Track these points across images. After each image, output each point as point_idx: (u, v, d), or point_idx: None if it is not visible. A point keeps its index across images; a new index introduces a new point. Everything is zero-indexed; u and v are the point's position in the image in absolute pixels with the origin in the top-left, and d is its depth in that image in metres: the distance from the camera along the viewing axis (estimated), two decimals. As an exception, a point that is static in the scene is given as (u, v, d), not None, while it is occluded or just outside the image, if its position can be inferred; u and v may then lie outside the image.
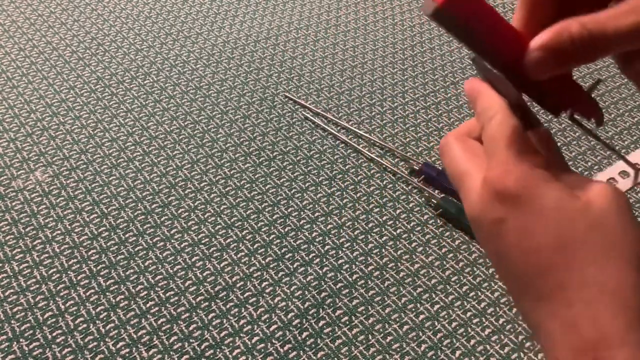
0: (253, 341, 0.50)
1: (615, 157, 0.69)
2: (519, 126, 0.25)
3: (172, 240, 0.58)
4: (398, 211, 0.62)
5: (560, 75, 0.26)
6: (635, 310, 0.21)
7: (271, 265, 0.56)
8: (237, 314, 0.52)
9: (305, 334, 0.51)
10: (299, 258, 0.57)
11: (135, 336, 0.50)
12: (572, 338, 0.22)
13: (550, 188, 0.23)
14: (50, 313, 0.52)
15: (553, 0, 0.25)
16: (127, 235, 0.59)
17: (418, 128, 0.73)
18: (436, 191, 0.64)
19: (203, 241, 0.58)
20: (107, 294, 0.53)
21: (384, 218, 0.62)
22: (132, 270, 0.55)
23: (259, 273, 0.56)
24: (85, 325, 0.51)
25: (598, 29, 0.22)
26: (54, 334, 0.50)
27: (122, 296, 0.53)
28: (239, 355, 0.49)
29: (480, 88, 0.27)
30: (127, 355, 0.49)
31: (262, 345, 0.50)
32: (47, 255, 0.56)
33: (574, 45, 0.23)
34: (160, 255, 0.57)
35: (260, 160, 0.68)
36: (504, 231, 0.23)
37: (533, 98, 0.27)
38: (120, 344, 0.50)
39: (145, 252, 0.57)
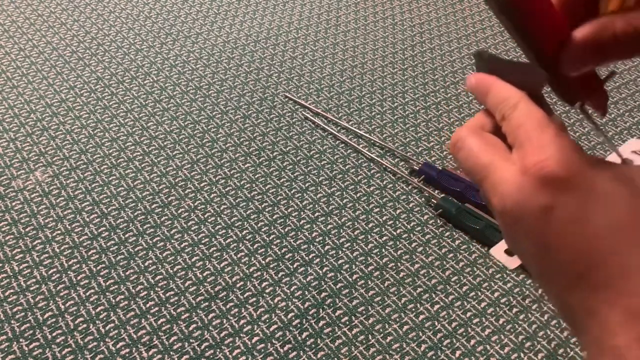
0: (253, 341, 0.50)
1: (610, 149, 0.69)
2: (544, 112, 0.24)
3: (172, 240, 0.58)
4: (398, 211, 0.62)
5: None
6: None
7: (271, 265, 0.56)
8: (237, 314, 0.52)
9: (305, 334, 0.51)
10: (299, 258, 0.57)
11: (135, 336, 0.50)
12: (636, 327, 0.20)
13: (599, 172, 0.22)
14: (50, 313, 0.52)
15: None
16: (127, 235, 0.59)
17: (418, 128, 0.73)
18: (436, 191, 0.64)
19: (203, 241, 0.58)
20: (107, 294, 0.53)
21: (384, 218, 0.62)
22: (132, 270, 0.55)
23: (259, 273, 0.56)
24: (85, 325, 0.51)
25: None
26: (54, 334, 0.50)
27: (122, 296, 0.53)
28: (239, 355, 0.49)
29: (490, 80, 0.27)
30: (127, 355, 0.49)
31: (262, 345, 0.50)
32: (47, 255, 0.56)
33: (617, 41, 0.22)
34: (160, 256, 0.57)
35: (260, 160, 0.68)
36: (553, 219, 0.22)
37: (553, 87, 0.27)
38: (120, 344, 0.50)
39: (145, 252, 0.57)
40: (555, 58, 0.24)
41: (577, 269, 0.22)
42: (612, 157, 0.69)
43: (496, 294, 0.55)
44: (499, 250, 0.58)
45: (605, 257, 0.21)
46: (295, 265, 0.57)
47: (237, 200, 0.63)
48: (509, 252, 0.58)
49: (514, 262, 0.57)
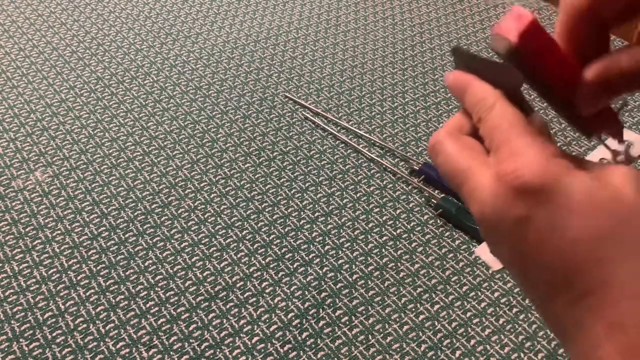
0: (253, 341, 0.50)
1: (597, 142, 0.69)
2: (521, 114, 0.23)
3: (172, 240, 0.58)
4: (398, 211, 0.62)
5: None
6: None
7: (271, 265, 0.56)
8: (237, 314, 0.52)
9: (305, 334, 0.51)
10: (299, 258, 0.57)
11: (135, 336, 0.50)
12: (619, 338, 0.20)
13: (575, 177, 0.21)
14: (50, 313, 0.52)
15: (590, 21, 0.24)
16: (127, 235, 0.59)
17: (418, 128, 0.73)
18: (436, 191, 0.64)
19: (203, 241, 0.58)
20: (107, 294, 0.53)
21: (384, 218, 0.62)
22: (132, 270, 0.55)
23: (259, 273, 0.56)
24: (85, 325, 0.51)
25: None
26: (54, 334, 0.50)
27: (122, 296, 0.53)
28: (239, 355, 0.49)
29: (467, 79, 0.26)
30: (127, 355, 0.49)
31: (262, 345, 0.50)
32: (47, 255, 0.56)
33: (624, 77, 0.22)
34: (160, 256, 0.57)
35: (260, 160, 0.68)
36: (529, 229, 0.21)
37: (571, 124, 0.27)
38: (120, 344, 0.50)
39: (145, 252, 0.57)
40: (570, 99, 0.24)
41: (556, 279, 0.22)
42: (594, 155, 0.69)
43: (496, 294, 0.55)
44: (483, 250, 0.58)
45: (583, 267, 0.21)
46: (295, 265, 0.57)
47: (237, 200, 0.63)
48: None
49: (498, 263, 0.57)
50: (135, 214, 0.61)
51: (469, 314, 0.53)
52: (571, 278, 0.21)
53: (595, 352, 0.21)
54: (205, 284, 0.55)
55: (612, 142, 0.28)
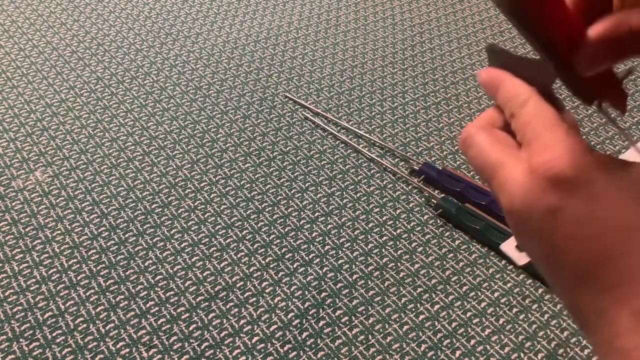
0: (253, 341, 0.50)
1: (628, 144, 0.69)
2: (554, 110, 0.24)
3: (172, 240, 0.58)
4: (398, 211, 0.62)
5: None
6: None
7: (271, 265, 0.56)
8: (237, 314, 0.52)
9: (305, 334, 0.51)
10: (299, 258, 0.57)
11: (135, 336, 0.50)
12: None
13: (606, 171, 0.22)
14: (50, 313, 0.52)
15: None
16: (127, 235, 0.59)
17: (418, 128, 0.73)
18: (436, 191, 0.64)
19: (203, 241, 0.58)
20: (107, 294, 0.53)
21: (384, 218, 0.62)
22: (132, 270, 0.55)
23: (259, 273, 0.56)
24: (85, 325, 0.51)
25: None
26: (54, 334, 0.50)
27: (122, 296, 0.53)
28: (239, 355, 0.49)
29: (501, 76, 0.26)
30: (127, 355, 0.49)
31: (262, 345, 0.50)
32: (47, 255, 0.56)
33: (634, 36, 0.22)
34: (160, 255, 0.57)
35: (260, 160, 0.68)
36: (561, 220, 0.22)
37: (569, 87, 0.26)
38: (120, 344, 0.50)
39: (145, 252, 0.57)
40: (570, 58, 0.24)
41: (585, 269, 0.22)
42: (629, 154, 0.69)
43: (496, 294, 0.55)
44: (510, 246, 0.57)
45: (612, 258, 0.21)
46: (295, 265, 0.57)
47: (237, 200, 0.63)
48: (519, 248, 0.57)
49: (523, 258, 0.57)
50: (135, 214, 0.61)
51: (469, 314, 0.53)
52: (598, 268, 0.21)
53: (619, 341, 0.21)
54: (205, 284, 0.55)
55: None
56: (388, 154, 0.69)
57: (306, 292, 0.54)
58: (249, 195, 0.63)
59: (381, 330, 0.52)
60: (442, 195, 0.63)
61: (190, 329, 0.51)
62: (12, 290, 0.53)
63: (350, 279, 0.56)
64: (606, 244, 0.21)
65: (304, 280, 0.55)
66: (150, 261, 0.56)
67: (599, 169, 0.22)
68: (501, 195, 0.24)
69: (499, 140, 0.25)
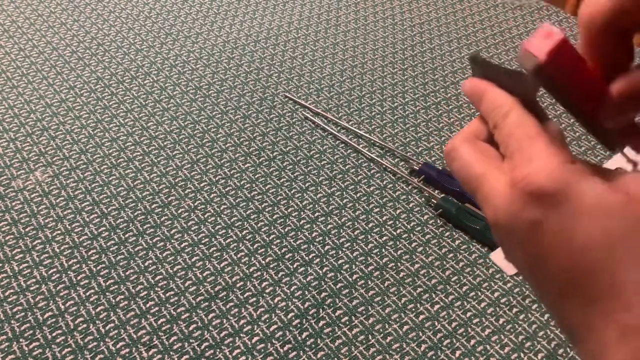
0: (253, 341, 0.50)
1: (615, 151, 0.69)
2: (536, 121, 0.24)
3: (172, 240, 0.58)
4: (398, 211, 0.62)
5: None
6: None
7: (271, 265, 0.56)
8: (237, 314, 0.52)
9: (305, 334, 0.51)
10: (299, 258, 0.57)
11: (135, 336, 0.50)
12: (632, 343, 0.20)
13: (587, 183, 0.21)
14: (50, 313, 0.52)
15: (610, 32, 0.24)
16: (127, 235, 0.59)
17: (418, 128, 0.73)
18: (436, 191, 0.64)
19: (203, 241, 0.58)
20: (107, 294, 0.53)
21: (384, 218, 0.62)
22: (132, 270, 0.55)
23: (259, 273, 0.56)
24: (85, 325, 0.51)
25: None
26: (54, 334, 0.50)
27: (122, 296, 0.53)
28: (239, 355, 0.49)
29: (484, 87, 0.26)
30: (127, 355, 0.49)
31: (262, 345, 0.50)
32: (47, 255, 0.56)
33: None
34: (160, 255, 0.57)
35: (260, 160, 0.68)
36: (542, 233, 0.22)
37: (593, 136, 0.27)
38: (120, 344, 0.50)
39: (145, 252, 0.57)
40: (595, 113, 0.25)
41: (569, 282, 0.22)
42: (610, 164, 0.69)
43: (496, 294, 0.55)
44: (498, 256, 0.58)
45: (596, 272, 0.21)
46: (295, 265, 0.57)
47: (237, 200, 0.63)
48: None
49: (512, 268, 0.57)
50: (135, 214, 0.61)
51: (469, 314, 0.53)
52: (583, 282, 0.21)
53: (606, 356, 0.21)
54: (205, 284, 0.55)
55: (630, 152, 0.28)
56: (388, 154, 0.69)
57: (306, 292, 0.54)
58: (249, 195, 0.63)
59: (381, 330, 0.52)
60: (442, 195, 0.63)
61: (190, 329, 0.51)
62: (12, 290, 0.53)
63: (350, 279, 0.56)
64: (589, 257, 0.21)
65: (304, 280, 0.55)
66: (150, 261, 0.56)
67: (580, 181, 0.22)
68: (485, 207, 0.24)
69: (483, 152, 0.26)
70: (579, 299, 0.22)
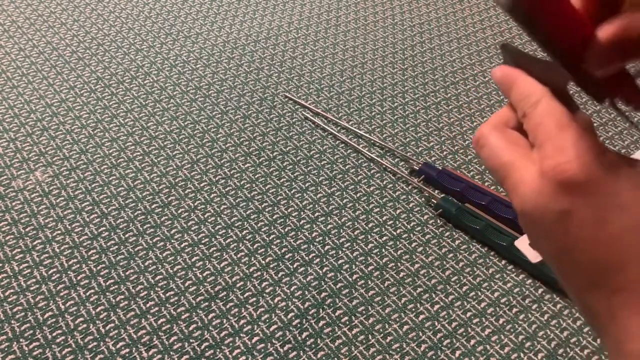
0: (253, 341, 0.50)
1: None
2: (567, 110, 0.23)
3: (172, 240, 0.58)
4: (398, 211, 0.62)
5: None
6: None
7: (271, 265, 0.56)
8: (237, 314, 0.52)
9: (305, 334, 0.51)
10: (299, 258, 0.57)
11: (135, 336, 0.50)
12: None
13: (619, 173, 0.21)
14: (50, 313, 0.52)
15: None
16: (127, 235, 0.59)
17: (418, 128, 0.73)
18: (436, 191, 0.64)
19: (203, 241, 0.58)
20: (107, 294, 0.53)
21: (384, 218, 0.62)
22: (132, 270, 0.55)
23: (259, 273, 0.56)
24: (85, 325, 0.51)
25: None
26: (54, 334, 0.50)
27: (122, 296, 0.53)
28: (239, 355, 0.49)
29: (515, 74, 0.26)
30: (127, 355, 0.49)
31: (262, 345, 0.50)
32: (47, 255, 0.56)
33: None
34: (160, 255, 0.57)
35: (260, 160, 0.68)
36: (572, 223, 0.22)
37: (580, 84, 0.26)
38: (120, 344, 0.50)
39: (145, 252, 0.57)
40: (579, 57, 0.23)
41: (596, 272, 0.22)
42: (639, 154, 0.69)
43: (496, 294, 0.55)
44: (523, 243, 0.57)
45: (623, 262, 0.21)
46: (295, 265, 0.57)
47: (237, 200, 0.63)
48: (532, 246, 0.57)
49: (537, 256, 0.56)
50: (135, 214, 0.61)
51: (469, 314, 0.53)
52: (610, 272, 0.21)
53: (628, 345, 0.21)
54: (205, 284, 0.55)
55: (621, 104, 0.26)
56: (388, 154, 0.69)
57: (306, 292, 0.54)
58: (249, 195, 0.63)
59: (381, 330, 0.52)
60: (442, 195, 0.63)
61: (190, 329, 0.51)
62: (12, 290, 0.53)
63: (350, 279, 0.56)
64: (617, 248, 0.21)
65: (304, 280, 0.55)
66: (150, 261, 0.56)
67: (610, 172, 0.21)
68: (514, 196, 0.24)
69: (512, 140, 0.25)
70: (606, 289, 0.22)
